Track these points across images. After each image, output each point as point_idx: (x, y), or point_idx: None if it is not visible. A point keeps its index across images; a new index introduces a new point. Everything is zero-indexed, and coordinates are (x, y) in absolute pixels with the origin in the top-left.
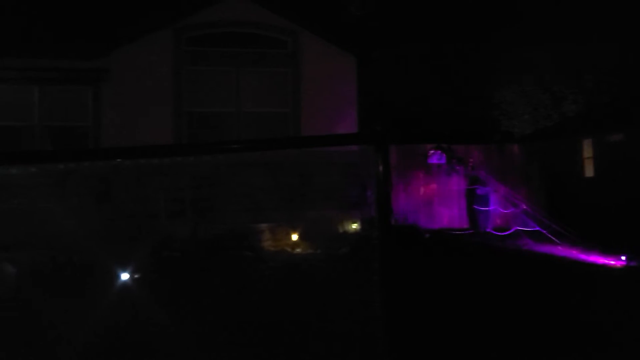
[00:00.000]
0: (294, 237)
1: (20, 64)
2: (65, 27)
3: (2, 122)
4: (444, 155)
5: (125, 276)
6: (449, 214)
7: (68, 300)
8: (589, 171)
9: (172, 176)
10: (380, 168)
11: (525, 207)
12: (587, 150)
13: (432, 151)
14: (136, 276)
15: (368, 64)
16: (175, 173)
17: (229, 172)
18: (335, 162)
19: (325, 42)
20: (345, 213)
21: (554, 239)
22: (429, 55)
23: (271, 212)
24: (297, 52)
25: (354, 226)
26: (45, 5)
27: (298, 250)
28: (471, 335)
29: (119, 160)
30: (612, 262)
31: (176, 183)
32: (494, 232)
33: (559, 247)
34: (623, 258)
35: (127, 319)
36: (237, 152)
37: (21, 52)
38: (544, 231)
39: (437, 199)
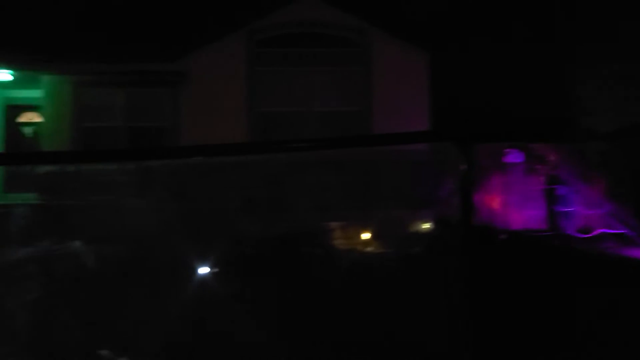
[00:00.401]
0: (365, 236)
1: (105, 68)
2: (145, 31)
3: (90, 123)
4: (522, 153)
5: (200, 270)
6: (527, 215)
7: (148, 292)
8: None
9: (244, 175)
10: (463, 167)
11: (610, 208)
12: None
13: (508, 150)
14: (211, 271)
15: (440, 61)
16: (247, 172)
17: (299, 170)
18: (407, 160)
19: (395, 39)
20: (417, 212)
21: None
22: (503, 51)
23: (341, 211)
24: (367, 50)
25: (426, 226)
26: (127, 12)
27: (369, 249)
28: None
29: (194, 158)
30: None
31: (248, 182)
32: (576, 234)
33: None
34: None
35: (204, 312)
36: (312, 150)
37: (105, 57)
38: (632, 234)
39: (514, 199)
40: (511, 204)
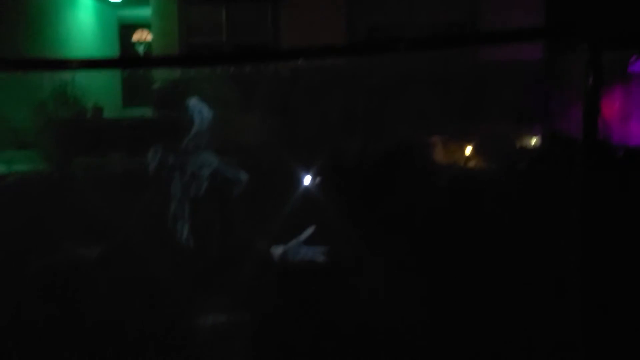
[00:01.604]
0: (467, 151)
1: None
2: None
3: (196, 39)
4: None
5: (303, 181)
6: None
7: (255, 201)
8: None
9: (345, 89)
10: (588, 76)
11: None
12: None
13: (635, 57)
14: (312, 183)
15: None
16: (348, 86)
17: (400, 85)
18: (513, 72)
19: None
20: (523, 127)
21: None
22: None
23: (444, 126)
24: None
25: (533, 141)
26: None
27: (471, 164)
28: None
29: (297, 61)
30: None
31: (349, 96)
32: None
33: None
34: None
35: (304, 218)
36: (418, 50)
37: None
38: None
39: (635, 113)
40: (631, 117)
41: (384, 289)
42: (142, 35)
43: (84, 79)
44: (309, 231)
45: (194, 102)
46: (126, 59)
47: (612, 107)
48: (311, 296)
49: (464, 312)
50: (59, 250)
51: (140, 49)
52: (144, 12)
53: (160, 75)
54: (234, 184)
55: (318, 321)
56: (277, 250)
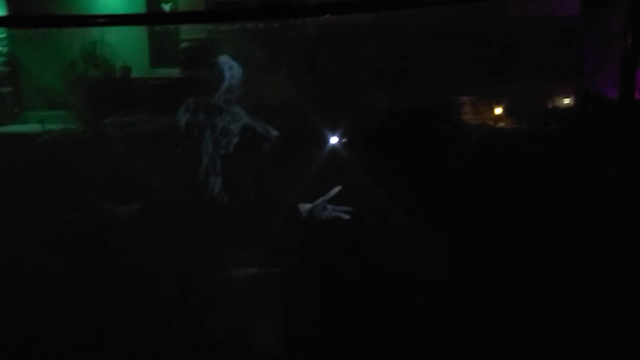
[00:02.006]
0: (497, 111)
1: None
2: None
3: None
4: None
5: (331, 140)
6: None
7: (282, 160)
8: None
9: (373, 47)
10: (628, 37)
11: None
12: None
13: None
14: (340, 141)
15: None
16: (376, 44)
17: (429, 43)
18: (547, 30)
19: None
20: (556, 86)
21: None
22: None
23: (473, 85)
24: None
25: (566, 100)
26: None
27: (501, 124)
28: None
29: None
30: None
31: (377, 54)
32: None
33: None
34: None
35: (331, 178)
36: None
37: None
38: None
39: None
40: None
41: (408, 246)
42: None
43: (112, 38)
44: (335, 190)
45: (224, 59)
46: (152, 15)
47: None
48: (338, 252)
49: (488, 270)
50: (92, 206)
51: (167, 8)
52: None
53: (187, 35)
54: (264, 140)
55: (345, 276)
56: (304, 207)
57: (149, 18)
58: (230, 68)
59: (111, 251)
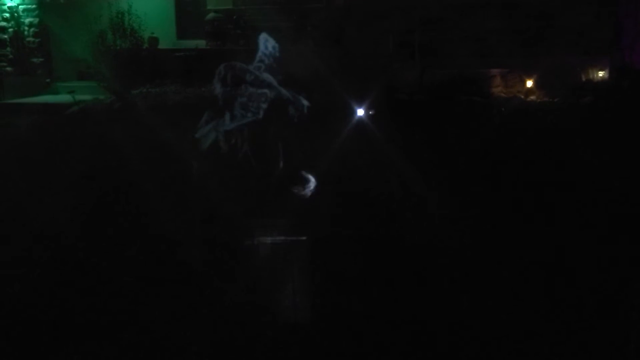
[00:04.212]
0: (529, 84)
1: None
2: None
3: None
4: None
5: (358, 112)
6: None
7: (309, 131)
8: None
9: (401, 19)
10: None
11: None
12: None
13: None
14: (367, 113)
15: None
16: (405, 15)
17: (459, 13)
18: (586, 1)
19: None
20: (590, 59)
21: None
22: None
23: (504, 58)
24: None
25: (601, 74)
26: None
27: (532, 97)
28: None
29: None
30: None
31: (405, 26)
32: None
33: None
34: None
35: (357, 149)
36: None
37: None
38: None
39: None
40: None
41: (438, 216)
42: None
43: (140, 9)
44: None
45: (263, 36)
46: None
47: None
48: (365, 222)
49: (519, 239)
50: (123, 172)
51: None
52: None
53: (214, 6)
54: (294, 108)
55: (372, 243)
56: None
57: None
58: (266, 41)
59: (143, 214)
